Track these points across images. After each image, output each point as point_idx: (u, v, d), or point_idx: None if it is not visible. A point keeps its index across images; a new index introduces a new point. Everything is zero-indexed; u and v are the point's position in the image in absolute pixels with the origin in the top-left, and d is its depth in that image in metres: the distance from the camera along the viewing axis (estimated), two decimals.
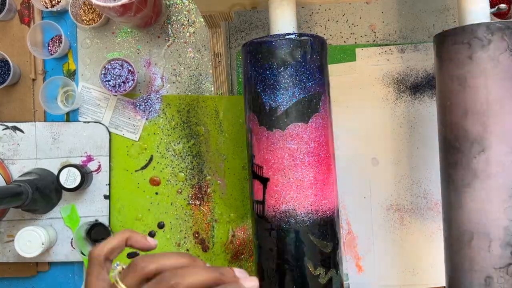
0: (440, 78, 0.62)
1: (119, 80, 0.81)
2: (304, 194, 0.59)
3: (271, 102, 0.59)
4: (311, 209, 0.59)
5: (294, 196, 0.59)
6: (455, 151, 0.59)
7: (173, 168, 0.83)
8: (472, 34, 0.57)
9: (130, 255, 0.78)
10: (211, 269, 0.37)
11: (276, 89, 0.59)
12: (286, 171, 0.59)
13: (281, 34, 0.60)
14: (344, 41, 0.83)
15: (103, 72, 0.81)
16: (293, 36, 0.59)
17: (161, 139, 0.83)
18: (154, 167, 0.83)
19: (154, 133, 0.83)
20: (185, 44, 0.84)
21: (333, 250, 0.60)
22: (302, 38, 0.60)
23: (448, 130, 0.60)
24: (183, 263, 0.38)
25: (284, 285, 0.59)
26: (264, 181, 0.60)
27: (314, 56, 0.61)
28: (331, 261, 0.60)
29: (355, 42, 0.83)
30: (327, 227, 0.60)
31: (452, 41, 0.59)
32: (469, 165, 0.58)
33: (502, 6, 0.62)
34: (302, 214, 0.59)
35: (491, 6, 0.62)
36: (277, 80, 0.59)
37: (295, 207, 0.59)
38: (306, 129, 0.59)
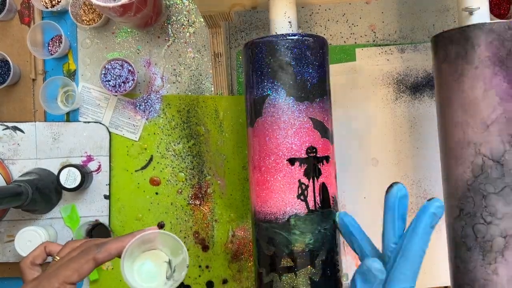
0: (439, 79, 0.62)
1: (119, 80, 0.81)
2: (253, 195, 0.62)
3: (254, 97, 0.62)
4: (257, 211, 0.62)
5: (254, 195, 0.62)
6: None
7: (173, 168, 0.83)
8: (462, 36, 0.58)
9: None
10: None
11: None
12: (261, 167, 0.62)
13: (283, 34, 0.60)
14: (344, 41, 0.83)
15: (103, 72, 0.81)
16: (295, 37, 0.59)
17: (161, 139, 0.83)
18: (154, 167, 0.83)
19: (154, 133, 0.83)
20: (185, 44, 0.84)
21: (274, 255, 0.60)
22: (304, 38, 0.60)
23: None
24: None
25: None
26: None
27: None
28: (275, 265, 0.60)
29: (355, 42, 0.83)
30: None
31: (444, 43, 0.60)
32: None
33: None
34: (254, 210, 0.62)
35: (491, 6, 0.62)
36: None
37: (255, 206, 0.62)
38: (252, 131, 0.62)
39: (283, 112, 0.60)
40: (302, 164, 0.60)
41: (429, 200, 0.51)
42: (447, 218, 0.61)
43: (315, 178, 0.60)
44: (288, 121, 0.60)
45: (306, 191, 0.59)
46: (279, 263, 0.58)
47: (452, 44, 0.59)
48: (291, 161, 0.60)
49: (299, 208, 0.59)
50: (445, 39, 0.60)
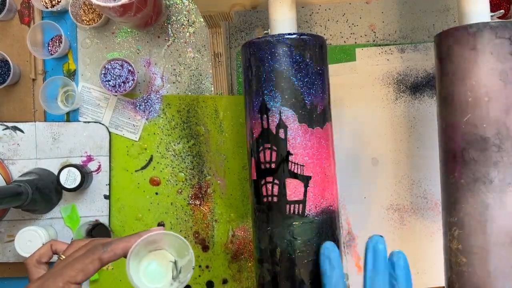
0: (448, 75, 0.60)
1: (119, 80, 0.81)
2: (336, 191, 0.63)
3: (313, 99, 0.60)
4: (336, 205, 0.63)
5: (332, 192, 0.62)
6: (495, 149, 0.57)
7: (173, 168, 0.83)
8: None
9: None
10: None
11: (311, 87, 0.61)
12: (325, 169, 0.61)
13: (281, 34, 0.60)
14: (344, 41, 0.83)
15: (103, 72, 0.81)
16: (293, 36, 0.60)
17: (161, 139, 0.83)
18: (154, 167, 0.83)
19: (154, 133, 0.83)
20: (185, 44, 0.84)
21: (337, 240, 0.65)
22: (302, 38, 0.60)
23: (486, 127, 0.58)
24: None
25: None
26: (306, 179, 0.60)
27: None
28: None
29: (355, 42, 0.83)
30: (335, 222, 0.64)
31: (493, 35, 0.57)
32: None
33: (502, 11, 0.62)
34: (335, 210, 0.62)
35: (491, 6, 0.62)
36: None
37: (333, 203, 0.62)
38: (330, 128, 0.64)
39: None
40: None
41: (370, 237, 0.56)
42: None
43: None
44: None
45: None
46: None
47: (496, 37, 0.56)
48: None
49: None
50: (484, 31, 0.56)
